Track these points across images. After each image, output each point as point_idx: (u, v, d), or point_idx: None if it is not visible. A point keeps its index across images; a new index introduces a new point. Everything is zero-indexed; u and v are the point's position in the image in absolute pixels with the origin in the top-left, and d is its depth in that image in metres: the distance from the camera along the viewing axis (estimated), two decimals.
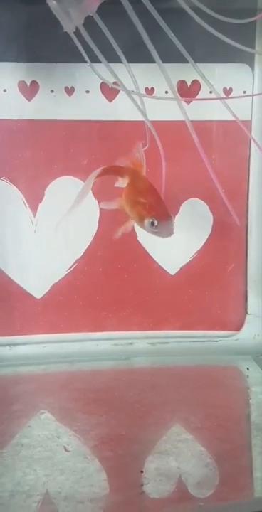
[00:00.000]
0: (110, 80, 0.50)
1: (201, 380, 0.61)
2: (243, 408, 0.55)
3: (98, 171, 0.52)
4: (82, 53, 0.45)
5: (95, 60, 0.47)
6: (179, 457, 0.44)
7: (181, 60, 0.48)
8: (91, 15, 0.44)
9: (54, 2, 0.39)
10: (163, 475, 0.41)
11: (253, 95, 0.63)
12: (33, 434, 0.47)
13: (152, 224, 0.45)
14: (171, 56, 0.48)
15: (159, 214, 0.46)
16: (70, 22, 0.40)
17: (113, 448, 0.45)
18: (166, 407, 0.53)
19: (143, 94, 0.51)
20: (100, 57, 0.47)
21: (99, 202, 0.63)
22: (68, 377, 0.62)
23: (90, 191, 0.55)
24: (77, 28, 0.43)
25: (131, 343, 0.67)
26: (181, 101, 0.48)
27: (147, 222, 0.46)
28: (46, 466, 0.42)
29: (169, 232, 0.46)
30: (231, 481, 0.42)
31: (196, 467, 0.42)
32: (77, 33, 0.45)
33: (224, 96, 0.64)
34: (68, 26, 0.41)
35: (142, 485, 0.40)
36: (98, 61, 0.47)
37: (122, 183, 0.52)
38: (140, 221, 0.47)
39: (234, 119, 0.51)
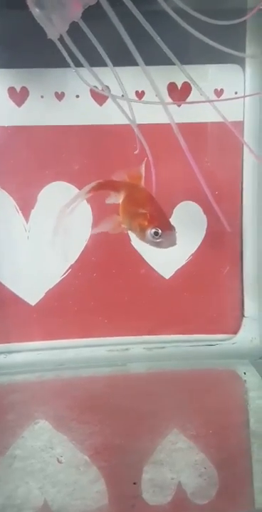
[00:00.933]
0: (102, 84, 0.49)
1: (198, 385, 0.60)
2: (240, 414, 0.54)
3: (92, 184, 0.50)
4: (67, 59, 0.45)
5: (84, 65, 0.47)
6: (173, 467, 0.43)
7: (172, 62, 0.47)
8: (76, 21, 0.43)
9: (37, 10, 0.39)
10: (157, 486, 0.40)
11: (244, 96, 0.62)
12: (26, 445, 0.47)
13: (156, 234, 0.44)
14: (161, 58, 0.47)
15: (162, 224, 0.45)
16: (54, 29, 0.40)
17: (107, 458, 0.45)
18: (161, 415, 0.52)
19: (129, 99, 0.50)
20: (83, 62, 0.47)
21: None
22: (64, 385, 0.61)
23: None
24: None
25: (127, 349, 0.67)
26: (167, 104, 0.47)
27: (149, 232, 0.44)
28: (38, 478, 0.42)
29: (172, 243, 0.45)
30: (228, 491, 0.41)
31: (191, 477, 0.42)
32: (63, 38, 0.44)
33: (214, 97, 0.64)
34: (52, 33, 0.41)
35: (135, 497, 0.39)
36: (92, 65, 0.47)
37: (116, 199, 0.51)
38: (141, 232, 0.46)
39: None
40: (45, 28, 0.41)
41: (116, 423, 0.50)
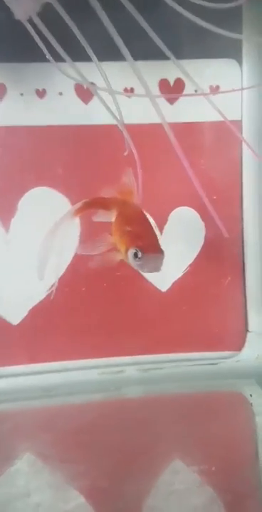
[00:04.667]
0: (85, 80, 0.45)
1: (199, 411, 0.54)
2: (247, 444, 0.48)
3: (78, 205, 0.46)
4: (40, 45, 0.40)
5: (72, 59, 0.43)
6: None
7: (164, 56, 0.44)
8: (50, 2, 0.38)
9: None
10: None
11: (242, 89, 0.58)
12: None
13: (135, 255, 0.39)
14: (151, 52, 0.45)
15: (145, 245, 0.40)
16: (21, 8, 0.35)
17: (93, 507, 0.38)
18: (157, 449, 0.46)
19: (116, 92, 0.46)
20: (63, 54, 0.43)
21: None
22: (49, 415, 0.56)
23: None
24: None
25: (120, 371, 0.62)
26: (157, 96, 0.43)
27: (130, 252, 0.40)
28: None
29: (155, 268, 0.40)
30: None
31: None
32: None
33: (210, 100, 0.59)
34: (19, 14, 0.36)
35: None
36: (78, 60, 0.43)
37: (105, 217, 0.47)
38: (125, 253, 0.42)
39: (223, 120, 0.48)
40: (12, 7, 0.36)
41: (105, 461, 0.44)
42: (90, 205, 0.47)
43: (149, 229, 0.43)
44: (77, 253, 0.57)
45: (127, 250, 0.41)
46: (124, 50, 0.42)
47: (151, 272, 0.41)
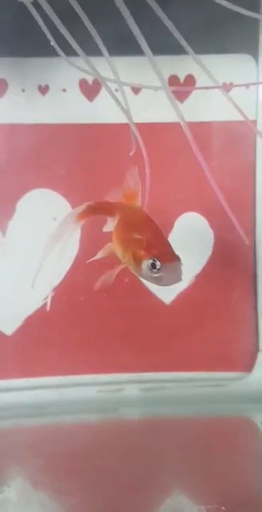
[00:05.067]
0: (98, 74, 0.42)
1: (204, 440, 0.50)
2: (258, 480, 0.43)
3: (80, 209, 0.42)
4: (43, 29, 0.37)
5: (73, 52, 0.40)
6: None
7: (173, 51, 0.42)
8: None
9: None
10: None
11: (258, 83, 0.55)
12: None
13: (153, 266, 0.35)
14: (160, 47, 0.41)
15: (162, 253, 0.36)
16: None
17: None
18: (158, 481, 0.42)
19: (125, 83, 0.42)
20: (70, 39, 0.39)
21: None
22: (42, 436, 0.51)
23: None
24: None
25: (119, 389, 0.58)
26: (173, 95, 0.40)
27: (145, 264, 0.36)
28: None
29: (176, 278, 0.36)
30: None
31: None
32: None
33: (226, 93, 0.57)
34: None
35: None
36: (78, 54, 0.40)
37: (113, 224, 0.42)
38: (136, 264, 0.37)
39: (236, 120, 0.47)
40: None
41: (100, 493, 0.40)
42: (94, 210, 0.42)
43: (161, 234, 0.38)
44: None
45: (139, 261, 0.36)
46: (144, 44, 0.38)
47: (171, 283, 0.36)
